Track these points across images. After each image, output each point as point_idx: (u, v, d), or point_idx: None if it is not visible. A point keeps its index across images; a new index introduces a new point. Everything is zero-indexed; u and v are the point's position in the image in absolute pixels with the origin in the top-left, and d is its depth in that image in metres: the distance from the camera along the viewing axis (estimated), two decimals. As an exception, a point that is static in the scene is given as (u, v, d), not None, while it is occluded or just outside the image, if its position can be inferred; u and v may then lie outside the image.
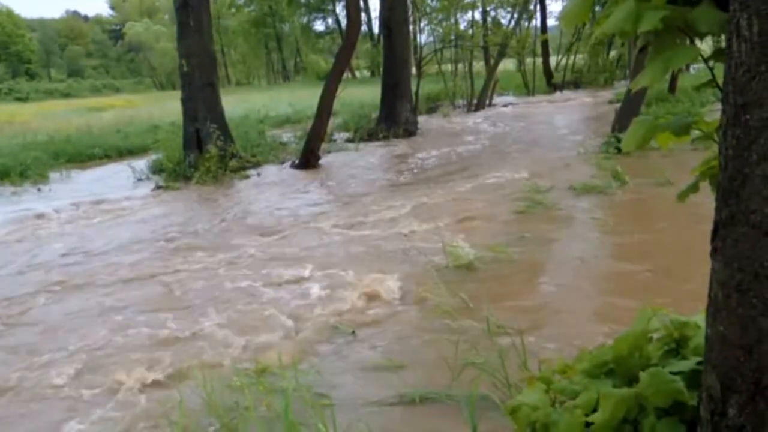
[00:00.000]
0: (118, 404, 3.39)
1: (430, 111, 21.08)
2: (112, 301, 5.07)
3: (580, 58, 29.34)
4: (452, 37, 21.69)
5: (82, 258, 6.57)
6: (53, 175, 12.98)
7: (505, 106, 22.23)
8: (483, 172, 9.65)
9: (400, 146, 13.98)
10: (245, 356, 3.83)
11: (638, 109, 10.91)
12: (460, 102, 22.26)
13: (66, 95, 49.06)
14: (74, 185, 12.15)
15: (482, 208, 7.18)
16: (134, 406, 3.35)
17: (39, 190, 11.81)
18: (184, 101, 12.06)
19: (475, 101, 21.40)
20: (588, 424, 1.90)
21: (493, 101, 22.72)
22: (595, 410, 1.94)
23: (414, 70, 17.38)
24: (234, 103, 19.34)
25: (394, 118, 15.47)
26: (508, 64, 28.27)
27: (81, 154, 14.87)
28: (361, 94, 21.06)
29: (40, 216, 9.08)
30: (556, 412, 2.15)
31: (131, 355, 3.98)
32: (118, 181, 11.89)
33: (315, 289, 4.94)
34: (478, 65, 24.12)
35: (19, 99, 45.91)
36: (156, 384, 3.59)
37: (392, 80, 15.75)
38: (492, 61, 22.67)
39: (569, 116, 17.93)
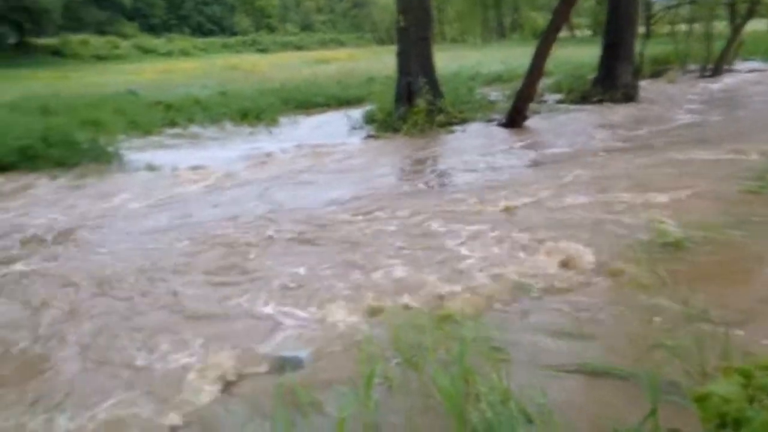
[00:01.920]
0: (319, 325, 3.79)
1: (656, 75, 19.22)
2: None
3: None
4: (691, -7, 19.38)
5: (296, 193, 7.31)
6: (282, 120, 14.45)
7: (749, 72, 19.44)
8: (709, 145, 8.67)
9: (616, 111, 13.07)
10: (433, 302, 4.01)
11: None
12: (692, 67, 19.96)
13: (298, 48, 53.56)
14: (299, 129, 13.44)
15: (703, 184, 6.49)
16: (332, 330, 3.72)
17: (270, 132, 13.29)
18: (399, 55, 12.52)
19: (711, 66, 19.04)
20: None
21: (735, 67, 19.98)
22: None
23: (641, 29, 15.90)
24: (447, 60, 19.55)
25: (612, 81, 14.44)
26: (757, 25, 24.48)
27: (306, 102, 16.31)
28: (579, 54, 19.93)
29: (268, 154, 10.25)
30: (752, 409, 1.98)
31: (339, 287, 4.40)
32: (335, 128, 12.85)
33: (509, 248, 4.96)
34: (720, 25, 21.22)
35: (260, 50, 51.17)
36: (358, 315, 3.92)
37: (614, 39, 14.64)
38: (738, 20, 19.80)
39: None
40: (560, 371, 3.05)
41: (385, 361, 3.12)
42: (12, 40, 43.00)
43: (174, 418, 2.86)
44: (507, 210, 6.08)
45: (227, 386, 3.16)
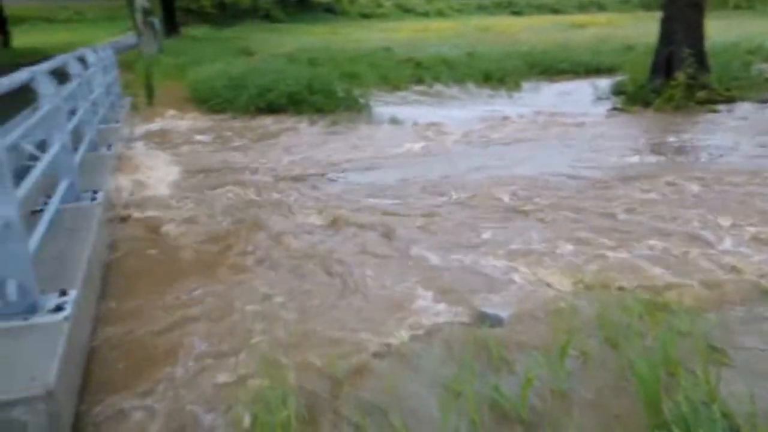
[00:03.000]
0: (529, 290, 3.83)
1: None
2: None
3: None
4: None
5: (524, 158, 7.23)
6: (525, 85, 14.21)
7: None
8: None
9: None
10: (653, 287, 3.76)
11: None
12: None
13: (555, 11, 51.41)
14: (540, 96, 13.13)
15: None
16: (539, 296, 3.73)
17: (510, 96, 13.20)
18: (663, 22, 11.40)
19: None
20: None
21: None
22: None
23: None
24: (723, 29, 17.24)
25: None
26: None
27: (552, 68, 15.76)
28: None
29: (505, 118, 10.24)
30: None
31: (561, 256, 4.37)
32: (579, 97, 12.28)
33: (752, 244, 4.40)
34: None
35: (514, 13, 50.29)
36: (570, 287, 3.87)
37: None
38: None
39: None
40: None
41: (585, 336, 3.05)
42: (296, -2, 48.28)
43: (376, 345, 3.17)
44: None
45: (432, 328, 3.38)
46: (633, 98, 11.17)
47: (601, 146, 7.96)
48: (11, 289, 2.64)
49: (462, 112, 11.12)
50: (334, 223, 5.12)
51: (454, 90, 13.82)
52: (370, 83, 13.42)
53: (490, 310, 3.52)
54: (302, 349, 3.10)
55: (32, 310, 2.74)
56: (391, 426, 2.45)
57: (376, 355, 3.09)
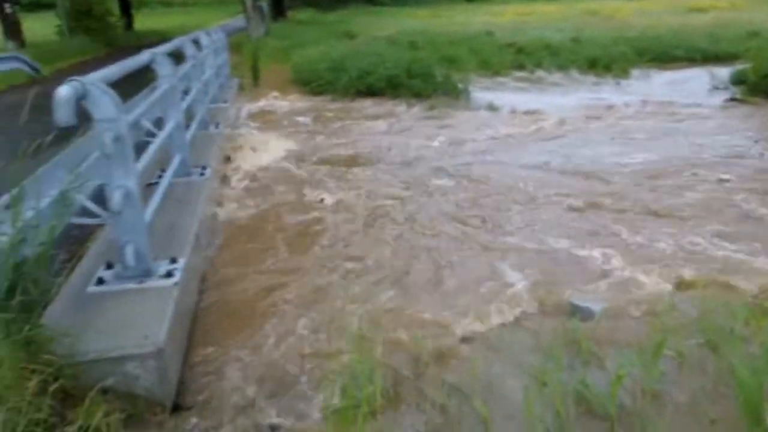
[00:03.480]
0: (624, 285, 3.72)
1: None
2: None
3: None
4: None
5: (627, 150, 6.91)
6: (634, 72, 13.52)
7: None
8: None
9: None
10: (761, 292, 3.53)
11: None
12: None
13: (673, -7, 48.31)
14: (649, 84, 12.46)
15: None
16: (635, 292, 3.61)
17: (618, 83, 12.61)
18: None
19: None
20: None
21: None
22: None
23: None
24: None
25: None
26: None
27: (664, 54, 14.84)
28: None
29: (609, 107, 9.82)
30: None
31: (661, 251, 4.20)
32: (693, 86, 11.56)
33: None
34: None
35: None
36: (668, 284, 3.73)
37: None
38: None
39: None
40: None
41: (682, 337, 2.92)
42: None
43: (467, 330, 3.19)
44: None
45: (521, 316, 3.36)
46: (755, 88, 10.35)
47: (717, 140, 7.46)
48: (129, 255, 2.89)
49: (563, 99, 10.78)
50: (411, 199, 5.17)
51: (557, 76, 13.39)
52: (469, 68, 13.26)
53: (582, 303, 3.44)
54: (393, 327, 3.19)
55: (146, 274, 2.99)
56: (474, 410, 2.47)
57: (464, 339, 3.12)
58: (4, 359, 1.96)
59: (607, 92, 11.49)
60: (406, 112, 9.78)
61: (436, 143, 7.59)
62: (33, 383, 1.98)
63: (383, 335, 3.06)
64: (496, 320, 3.31)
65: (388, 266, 4.03)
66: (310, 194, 5.62)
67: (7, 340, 2.03)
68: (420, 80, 11.05)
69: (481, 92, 11.31)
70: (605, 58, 13.93)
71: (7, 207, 2.50)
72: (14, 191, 2.46)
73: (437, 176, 6.11)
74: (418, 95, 10.71)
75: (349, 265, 4.06)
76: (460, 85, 11.24)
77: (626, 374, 2.54)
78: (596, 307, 3.39)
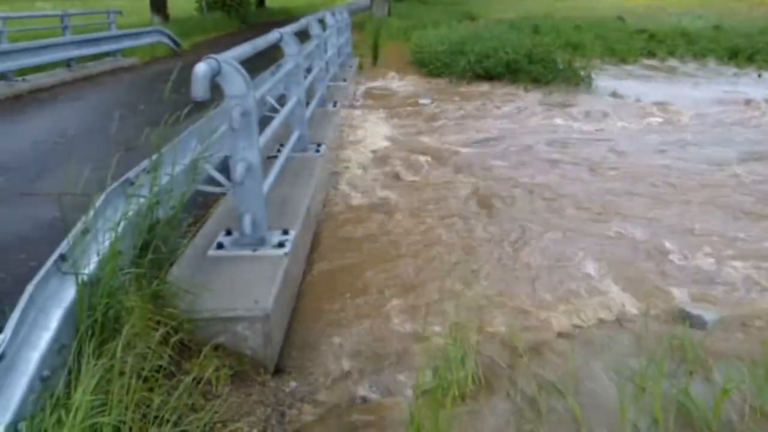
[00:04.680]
0: (743, 294, 3.49)
1: None
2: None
3: None
4: None
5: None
6: (781, 64, 12.35)
7: None
8: None
9: None
10: None
11: None
12: None
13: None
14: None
15: None
16: (755, 304, 3.37)
17: (759, 75, 11.58)
18: None
19: None
20: None
21: None
22: None
23: None
24: None
25: None
26: None
27: (821, 46, 13.40)
28: None
29: (747, 101, 9.05)
30: None
31: None
32: None
33: None
34: None
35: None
36: None
37: None
38: None
39: None
40: None
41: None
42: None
43: (565, 324, 3.14)
44: None
45: (624, 316, 3.25)
46: None
47: None
48: (247, 223, 3.10)
49: (695, 91, 10.07)
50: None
51: (690, 66, 12.50)
52: (593, 54, 12.69)
53: (694, 310, 3.27)
54: (489, 314, 3.20)
55: (260, 243, 3.20)
56: (566, 407, 2.45)
57: (561, 334, 3.07)
58: (134, 309, 2.19)
59: (748, 85, 10.58)
60: (523, 96, 9.56)
61: (547, 131, 7.38)
62: (158, 334, 2.20)
63: (479, 321, 3.08)
64: (596, 317, 3.23)
65: (495, 253, 4.02)
66: (425, 175, 5.68)
67: (138, 292, 2.27)
68: (540, 66, 10.73)
69: (606, 80, 10.81)
70: (748, 49, 12.80)
71: (147, 171, 2.78)
72: (154, 157, 2.71)
73: (548, 166, 5.96)
74: (537, 81, 10.42)
75: (451, 249, 4.09)
76: (582, 72, 10.80)
77: (734, 389, 2.41)
78: (710, 316, 3.21)
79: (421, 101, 9.27)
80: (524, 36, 12.94)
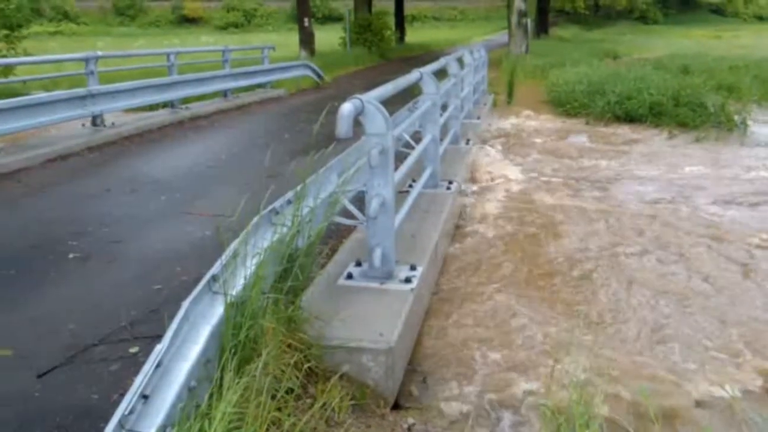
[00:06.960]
0: None
1: None
2: None
3: None
4: None
5: None
6: None
7: None
8: None
9: None
10: None
11: None
12: None
13: None
14: None
15: None
16: None
17: None
18: None
19: None
20: None
21: None
22: None
23: None
24: None
25: None
26: None
27: None
28: None
29: None
30: None
31: None
32: None
33: None
34: None
35: None
36: None
37: None
38: None
39: None
40: None
41: None
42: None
43: (704, 392, 2.91)
44: None
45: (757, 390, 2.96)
46: None
47: None
48: (377, 257, 3.21)
49: None
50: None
51: None
52: (750, 98, 11.74)
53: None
54: (618, 374, 3.04)
55: (388, 276, 3.28)
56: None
57: (700, 403, 2.85)
58: (271, 331, 2.34)
59: None
60: (666, 143, 9.05)
61: (692, 177, 6.92)
62: (292, 358, 2.33)
63: (606, 383, 2.93)
64: (740, 386, 2.95)
65: (624, 309, 3.83)
66: (555, 222, 5.55)
67: (275, 316, 2.42)
68: (687, 109, 10.10)
69: (764, 127, 9.95)
70: None
71: (289, 202, 2.97)
72: (298, 188, 2.90)
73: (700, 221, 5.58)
74: (684, 125, 9.81)
75: (576, 306, 3.95)
76: (736, 117, 10.00)
77: None
78: None
79: (552, 142, 9.06)
80: (671, 76, 12.27)
